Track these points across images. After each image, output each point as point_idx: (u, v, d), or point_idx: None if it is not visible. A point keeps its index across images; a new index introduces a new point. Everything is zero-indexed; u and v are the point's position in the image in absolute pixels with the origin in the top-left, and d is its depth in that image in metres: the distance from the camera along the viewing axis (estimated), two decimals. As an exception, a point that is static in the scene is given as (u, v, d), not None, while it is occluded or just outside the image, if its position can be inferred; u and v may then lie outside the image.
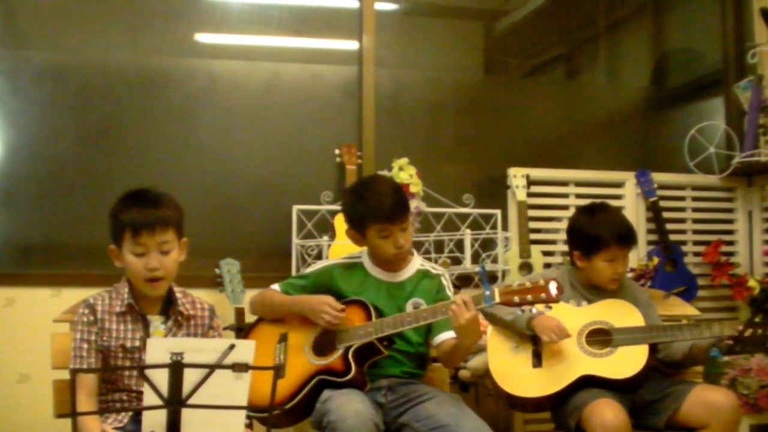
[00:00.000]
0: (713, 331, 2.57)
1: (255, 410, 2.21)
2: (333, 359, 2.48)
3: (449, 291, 2.65)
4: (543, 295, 2.31)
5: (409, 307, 2.57)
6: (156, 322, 2.22)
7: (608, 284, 2.75)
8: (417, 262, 2.66)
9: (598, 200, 2.92)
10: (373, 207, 2.50)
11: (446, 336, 2.55)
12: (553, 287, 2.30)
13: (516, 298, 2.32)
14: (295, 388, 2.49)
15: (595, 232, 2.72)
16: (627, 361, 2.57)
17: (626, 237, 2.72)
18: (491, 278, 3.52)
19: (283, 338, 2.60)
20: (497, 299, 2.33)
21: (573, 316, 2.68)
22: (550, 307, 2.37)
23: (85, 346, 2.17)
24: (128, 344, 2.18)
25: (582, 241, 2.76)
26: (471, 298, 2.34)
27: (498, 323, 2.74)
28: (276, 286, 2.68)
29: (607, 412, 2.40)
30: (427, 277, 2.64)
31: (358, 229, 2.56)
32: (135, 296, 2.22)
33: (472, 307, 2.33)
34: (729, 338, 2.54)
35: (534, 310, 2.49)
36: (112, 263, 2.24)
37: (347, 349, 2.46)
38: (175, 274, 2.24)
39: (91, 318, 2.18)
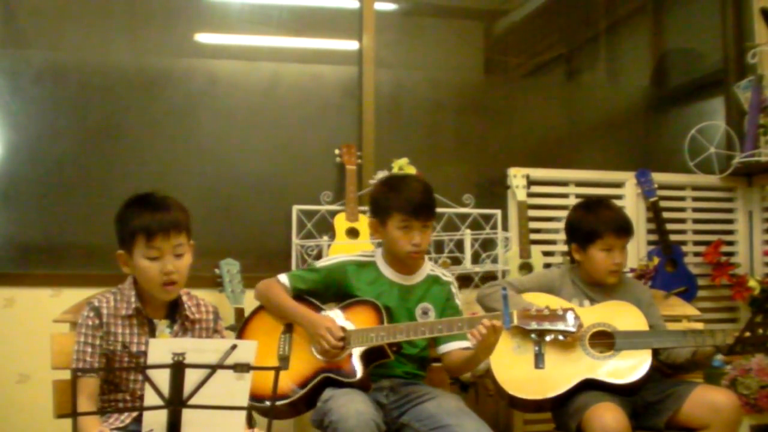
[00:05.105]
0: (716, 339, 2.57)
1: (256, 401, 2.21)
2: (341, 358, 2.48)
3: (458, 300, 2.67)
4: (560, 324, 2.34)
5: (418, 311, 2.58)
6: (162, 326, 2.21)
7: (607, 277, 2.75)
8: (428, 267, 2.67)
9: (595, 196, 2.94)
10: (402, 197, 2.52)
11: (455, 346, 2.56)
12: (571, 317, 2.33)
13: (534, 324, 2.35)
14: (301, 381, 2.49)
15: (591, 222, 2.76)
16: (630, 366, 2.58)
17: (621, 226, 2.75)
18: (491, 278, 3.52)
19: (289, 329, 2.60)
20: (515, 322, 2.36)
21: (576, 317, 2.67)
22: (565, 337, 2.39)
23: (89, 350, 2.16)
24: (134, 348, 2.17)
25: (578, 233, 2.79)
26: (492, 319, 2.35)
27: None
28: (285, 279, 2.64)
29: (607, 416, 2.40)
30: (438, 284, 2.65)
31: (380, 217, 2.57)
32: (141, 300, 2.22)
33: (500, 332, 2.35)
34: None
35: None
36: (119, 268, 2.23)
37: (356, 350, 2.46)
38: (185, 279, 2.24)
39: (96, 322, 2.17)
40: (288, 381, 2.48)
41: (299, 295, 2.64)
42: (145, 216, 2.16)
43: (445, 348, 2.58)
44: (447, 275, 2.69)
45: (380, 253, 2.65)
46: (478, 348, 2.39)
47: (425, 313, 2.56)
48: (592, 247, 2.74)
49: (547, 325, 2.33)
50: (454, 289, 2.67)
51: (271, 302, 2.64)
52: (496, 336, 2.35)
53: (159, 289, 2.17)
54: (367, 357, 2.46)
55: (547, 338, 2.37)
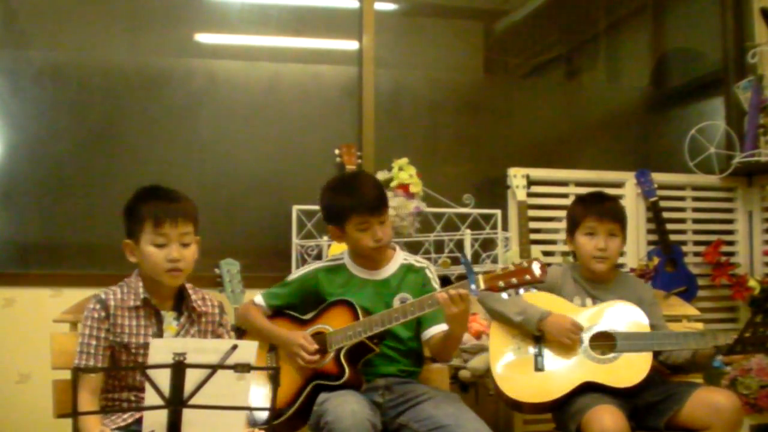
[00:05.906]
0: (718, 341, 2.56)
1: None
2: (325, 362, 2.48)
3: (435, 283, 2.63)
4: (527, 276, 2.29)
5: (396, 303, 2.56)
6: (169, 317, 2.22)
7: (592, 263, 2.73)
8: (400, 257, 2.65)
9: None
10: (354, 199, 2.50)
11: (436, 330, 2.55)
12: (536, 267, 2.28)
13: (501, 283, 2.31)
14: (292, 395, 2.50)
15: (577, 209, 2.79)
16: (631, 369, 2.56)
17: (604, 209, 2.74)
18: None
19: (273, 347, 2.62)
20: (482, 286, 2.32)
21: (578, 318, 2.67)
22: (536, 288, 2.36)
23: (93, 342, 2.16)
24: (141, 340, 2.18)
25: (568, 222, 2.82)
26: (458, 288, 2.32)
27: (505, 322, 2.73)
28: (260, 300, 2.67)
29: (606, 418, 2.40)
30: (412, 272, 2.64)
31: (337, 222, 2.56)
32: (149, 292, 2.22)
33: (467, 299, 2.32)
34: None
35: (537, 311, 2.47)
36: (125, 257, 2.23)
37: (338, 351, 2.46)
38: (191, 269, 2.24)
39: (103, 314, 2.17)
40: (281, 397, 2.48)
41: (279, 311, 2.66)
42: (154, 204, 2.18)
43: (427, 334, 2.57)
44: (420, 261, 2.68)
45: (348, 254, 2.65)
46: (447, 319, 2.38)
47: (403, 302, 2.55)
48: (577, 233, 2.76)
49: (514, 281, 2.29)
50: (430, 273, 2.65)
51: (250, 326, 2.67)
52: (464, 304, 2.32)
53: (164, 274, 2.18)
54: (352, 355, 2.46)
55: (521, 291, 2.35)
